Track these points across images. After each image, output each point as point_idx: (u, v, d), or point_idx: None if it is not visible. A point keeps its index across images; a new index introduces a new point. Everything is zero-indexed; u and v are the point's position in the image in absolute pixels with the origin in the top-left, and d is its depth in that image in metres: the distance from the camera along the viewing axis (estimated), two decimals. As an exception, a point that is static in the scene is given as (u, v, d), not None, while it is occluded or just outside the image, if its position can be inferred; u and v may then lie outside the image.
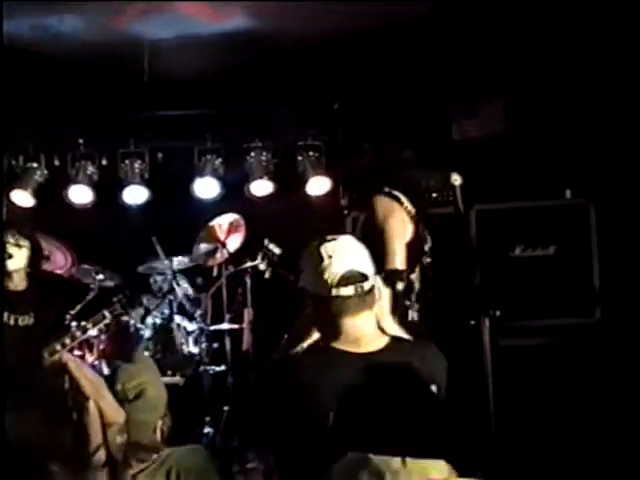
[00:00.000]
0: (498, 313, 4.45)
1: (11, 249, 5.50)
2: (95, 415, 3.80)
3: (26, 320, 5.64)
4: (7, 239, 5.50)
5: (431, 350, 3.43)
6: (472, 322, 4.27)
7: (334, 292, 3.27)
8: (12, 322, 5.55)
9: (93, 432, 3.87)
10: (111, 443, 3.88)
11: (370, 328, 3.31)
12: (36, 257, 5.77)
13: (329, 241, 3.39)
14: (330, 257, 3.31)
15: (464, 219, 5.75)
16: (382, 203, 5.12)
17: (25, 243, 5.61)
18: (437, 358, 3.41)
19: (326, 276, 3.28)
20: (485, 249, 6.76)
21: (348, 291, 3.27)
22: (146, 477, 3.92)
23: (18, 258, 5.53)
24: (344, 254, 3.35)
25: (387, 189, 5.23)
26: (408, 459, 2.81)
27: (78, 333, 7.01)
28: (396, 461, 2.82)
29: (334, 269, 3.28)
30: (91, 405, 3.77)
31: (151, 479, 3.92)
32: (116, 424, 3.88)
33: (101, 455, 3.82)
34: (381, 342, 3.31)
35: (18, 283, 5.62)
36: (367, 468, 2.80)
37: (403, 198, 5.32)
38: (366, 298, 3.31)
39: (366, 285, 3.31)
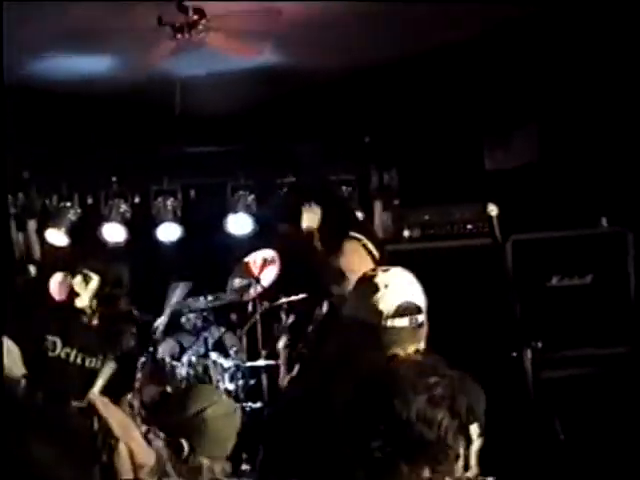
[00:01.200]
0: (540, 344, 4.41)
1: (77, 286, 5.49)
2: (125, 457, 3.73)
3: (93, 363, 5.61)
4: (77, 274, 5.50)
5: (475, 386, 3.36)
6: (514, 354, 4.24)
7: (389, 323, 3.23)
8: (79, 361, 5.52)
9: (124, 474, 3.81)
10: None
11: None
12: (105, 291, 5.73)
13: (384, 271, 3.37)
14: (386, 287, 3.28)
15: (501, 250, 5.71)
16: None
17: (94, 277, 5.59)
18: (480, 394, 3.35)
19: (381, 306, 3.24)
20: (522, 280, 6.69)
21: (403, 322, 3.24)
22: None
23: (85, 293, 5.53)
24: (400, 285, 3.32)
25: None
26: None
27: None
28: None
29: (390, 299, 3.25)
30: (121, 446, 3.71)
31: None
32: (147, 466, 3.81)
33: None
34: None
35: (88, 319, 5.60)
36: None
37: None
38: (418, 331, 3.29)
39: (420, 318, 3.28)
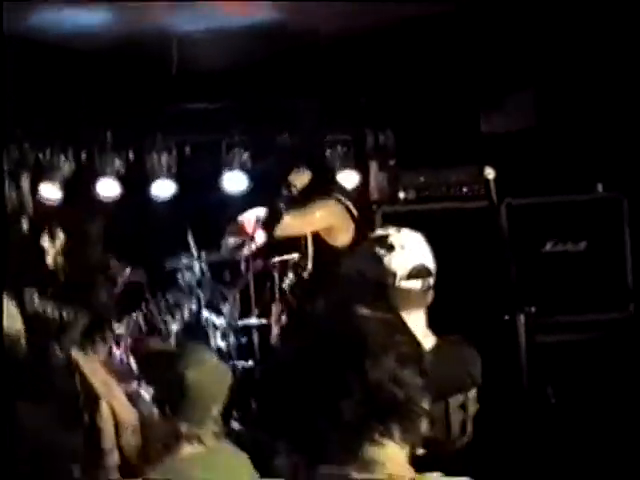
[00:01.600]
0: (533, 309, 4.40)
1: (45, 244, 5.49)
2: (108, 415, 3.68)
3: (68, 317, 5.61)
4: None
5: (472, 351, 3.35)
6: (506, 317, 4.24)
7: (403, 284, 3.20)
8: (56, 315, 5.50)
9: (106, 433, 3.76)
10: (124, 444, 3.78)
11: (422, 326, 3.24)
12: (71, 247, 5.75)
13: (397, 231, 3.33)
14: (402, 247, 3.24)
15: (497, 213, 5.70)
16: None
17: (60, 235, 5.59)
18: (477, 359, 3.34)
19: (394, 266, 3.21)
20: (516, 244, 6.68)
21: (415, 285, 3.21)
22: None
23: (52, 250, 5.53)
24: (415, 246, 3.29)
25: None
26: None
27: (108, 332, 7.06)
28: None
29: (405, 260, 3.21)
30: (103, 405, 3.66)
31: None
32: (130, 425, 3.77)
33: (114, 456, 3.70)
34: (429, 341, 3.23)
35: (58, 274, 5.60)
36: None
37: None
38: (427, 294, 3.27)
39: (430, 281, 3.26)
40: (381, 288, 3.20)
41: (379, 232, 3.40)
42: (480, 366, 3.33)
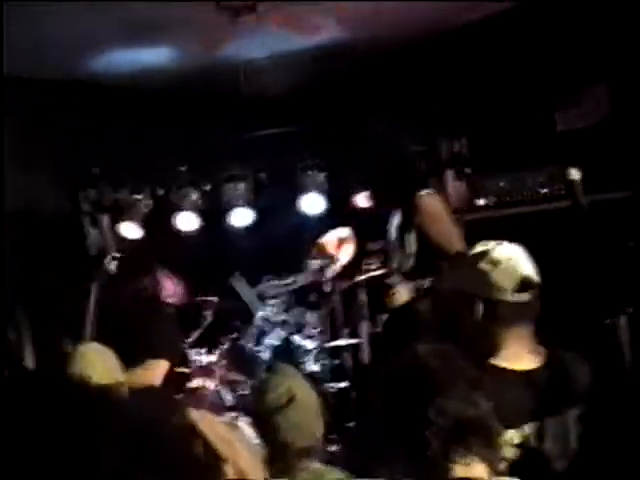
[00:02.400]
0: (631, 310, 4.29)
1: None
2: (234, 475, 3.60)
3: None
4: None
5: (583, 365, 3.28)
6: (607, 321, 4.13)
7: (515, 297, 3.15)
8: None
9: None
10: None
11: (531, 339, 3.19)
12: None
13: (499, 245, 3.29)
14: (507, 260, 3.21)
15: (584, 213, 5.58)
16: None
17: None
18: (587, 372, 3.28)
19: (503, 280, 3.16)
20: (602, 243, 6.56)
21: (524, 297, 3.16)
22: None
23: None
24: (521, 259, 3.26)
25: None
26: None
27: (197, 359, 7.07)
28: None
29: (512, 274, 3.17)
30: (228, 468, 3.57)
31: None
32: None
33: None
34: (539, 356, 3.20)
35: None
36: None
37: None
38: (536, 306, 3.22)
39: (536, 293, 3.21)
40: (491, 304, 3.16)
41: (479, 248, 3.34)
42: (590, 380, 3.26)
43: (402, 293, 4.70)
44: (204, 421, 3.60)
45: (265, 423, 3.82)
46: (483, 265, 3.21)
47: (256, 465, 3.64)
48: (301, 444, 3.78)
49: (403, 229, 5.96)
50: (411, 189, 6.21)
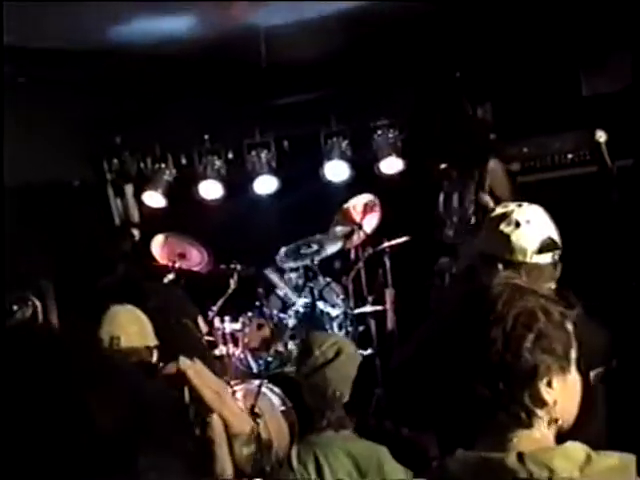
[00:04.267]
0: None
1: None
2: (220, 428, 3.60)
3: None
4: None
5: (604, 329, 3.26)
6: (634, 284, 4.12)
7: (534, 259, 3.15)
8: None
9: (217, 447, 3.66)
10: (237, 455, 3.70)
11: None
12: None
13: (519, 206, 3.27)
14: (528, 222, 3.20)
15: (611, 177, 5.55)
16: None
17: None
18: (606, 335, 3.26)
19: (524, 242, 3.16)
20: (629, 207, 6.51)
21: (546, 259, 3.16)
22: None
23: None
24: (542, 220, 3.24)
25: None
26: None
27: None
28: None
29: (533, 235, 3.17)
30: (214, 418, 3.57)
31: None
32: (242, 434, 3.70)
33: (228, 470, 3.65)
34: None
35: None
36: None
37: None
38: (557, 267, 3.21)
39: (558, 253, 3.20)
40: (512, 266, 3.14)
41: (499, 210, 3.33)
42: (609, 344, 3.25)
43: None
44: (193, 369, 3.58)
45: (314, 378, 3.82)
46: (503, 227, 3.21)
47: (244, 418, 3.63)
48: (348, 397, 3.82)
49: (463, 193, 5.99)
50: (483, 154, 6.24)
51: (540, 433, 2.05)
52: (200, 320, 6.70)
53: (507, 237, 3.18)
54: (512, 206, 3.29)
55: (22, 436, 1.01)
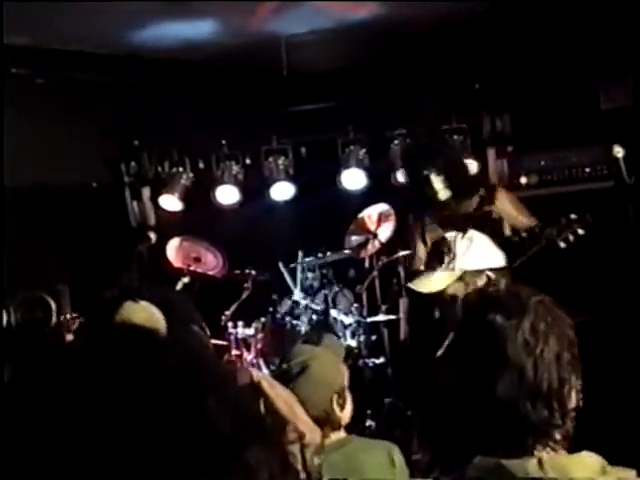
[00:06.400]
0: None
1: None
2: (294, 438, 3.61)
3: None
4: None
5: None
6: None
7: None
8: None
9: (292, 457, 3.66)
10: (309, 465, 3.70)
11: None
12: None
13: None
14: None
15: (628, 192, 5.54)
16: None
17: None
18: None
19: None
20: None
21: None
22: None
23: None
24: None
25: None
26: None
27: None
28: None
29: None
30: (290, 428, 3.58)
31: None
32: (312, 445, 3.69)
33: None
34: None
35: None
36: None
37: None
38: None
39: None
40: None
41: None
42: None
43: None
44: (268, 382, 3.59)
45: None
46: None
47: (314, 428, 3.64)
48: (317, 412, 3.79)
49: None
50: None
51: (556, 441, 2.07)
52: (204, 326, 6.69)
53: None
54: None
55: (147, 439, 1.03)
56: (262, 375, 3.71)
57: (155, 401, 1.04)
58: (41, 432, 1.02)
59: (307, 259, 7.89)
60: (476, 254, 5.52)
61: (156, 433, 1.01)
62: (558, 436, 2.07)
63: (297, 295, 7.83)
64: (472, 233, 5.64)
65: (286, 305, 7.90)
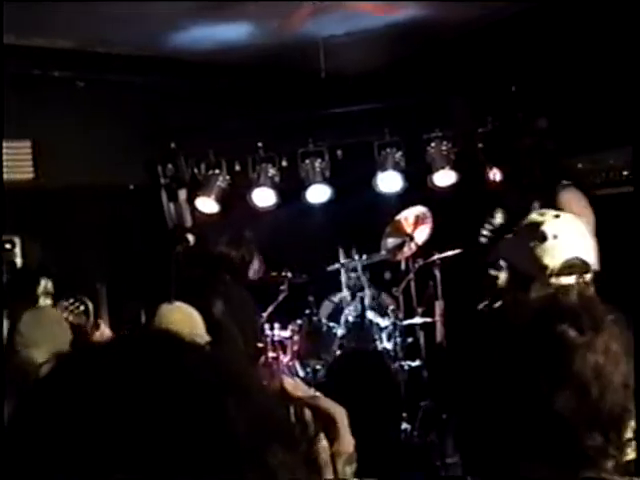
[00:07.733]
0: None
1: None
2: (325, 446, 3.55)
3: None
4: None
5: None
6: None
7: (553, 280, 2.91)
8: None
9: (324, 464, 3.60)
10: (341, 474, 3.66)
11: None
12: None
13: (555, 217, 3.02)
14: (555, 237, 2.96)
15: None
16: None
17: None
18: None
19: (547, 260, 2.93)
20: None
21: (569, 281, 2.91)
22: None
23: None
24: (573, 237, 2.99)
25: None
26: None
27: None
28: None
29: (558, 253, 2.93)
30: (321, 436, 3.53)
31: None
32: (344, 453, 3.66)
33: None
34: None
35: None
36: None
37: None
38: (585, 290, 2.91)
39: (587, 277, 2.96)
40: (528, 282, 2.92)
41: (533, 216, 3.10)
42: None
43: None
44: (300, 388, 3.55)
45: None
46: (528, 238, 3.00)
47: (349, 438, 3.61)
48: None
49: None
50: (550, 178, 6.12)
51: (607, 470, 1.92)
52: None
53: (532, 250, 2.96)
54: (548, 215, 3.04)
55: (159, 438, 1.04)
56: (293, 382, 3.68)
57: (169, 401, 1.05)
58: (58, 432, 1.03)
59: (344, 261, 7.90)
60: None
61: (170, 433, 1.02)
62: (609, 465, 1.94)
63: (344, 295, 7.87)
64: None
65: (327, 307, 7.93)
